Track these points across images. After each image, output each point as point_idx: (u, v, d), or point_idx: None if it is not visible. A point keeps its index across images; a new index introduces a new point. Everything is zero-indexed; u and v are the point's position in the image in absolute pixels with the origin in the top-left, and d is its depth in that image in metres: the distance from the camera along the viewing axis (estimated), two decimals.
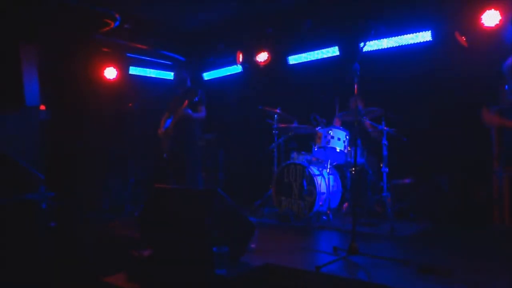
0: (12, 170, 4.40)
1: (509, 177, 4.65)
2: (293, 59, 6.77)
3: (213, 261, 2.87)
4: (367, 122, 5.51)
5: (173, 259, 3.15)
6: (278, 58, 6.83)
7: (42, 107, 5.90)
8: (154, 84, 7.52)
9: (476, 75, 5.03)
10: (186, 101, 5.09)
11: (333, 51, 6.35)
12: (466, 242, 4.22)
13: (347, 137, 5.30)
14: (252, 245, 3.60)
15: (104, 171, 6.79)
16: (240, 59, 7.06)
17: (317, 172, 5.26)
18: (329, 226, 4.92)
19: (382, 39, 5.82)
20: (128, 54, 7.18)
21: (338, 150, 5.21)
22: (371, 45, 5.87)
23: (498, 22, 4.86)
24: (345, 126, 5.42)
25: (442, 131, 5.53)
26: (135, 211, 5.99)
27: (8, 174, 4.38)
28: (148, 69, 7.51)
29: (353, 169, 5.31)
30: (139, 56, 7.37)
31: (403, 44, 5.71)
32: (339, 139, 5.23)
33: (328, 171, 5.30)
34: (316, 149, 5.36)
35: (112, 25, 6.30)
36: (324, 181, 5.21)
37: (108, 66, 6.87)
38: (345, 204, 5.55)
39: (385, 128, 5.14)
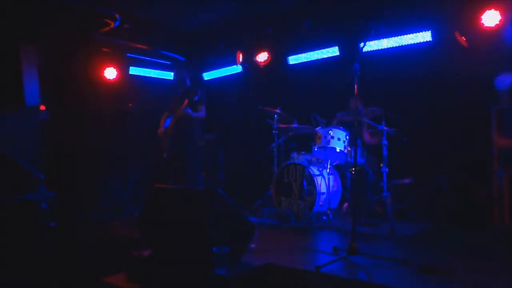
0: (12, 170, 4.40)
1: (509, 177, 4.66)
2: (293, 59, 6.76)
3: (213, 261, 2.87)
4: (367, 134, 5.57)
5: (173, 259, 3.15)
6: (278, 58, 6.83)
7: (42, 107, 5.90)
8: (154, 84, 7.52)
9: (476, 75, 5.03)
10: (186, 101, 5.09)
11: (333, 51, 6.35)
12: (466, 242, 4.22)
13: (347, 137, 5.30)
14: (252, 245, 3.60)
15: (104, 171, 6.79)
16: (240, 59, 7.06)
17: (317, 172, 5.26)
18: (329, 226, 4.92)
19: (382, 39, 5.82)
20: (128, 54, 7.18)
21: (338, 150, 5.21)
22: (371, 45, 5.87)
23: (498, 22, 4.86)
24: (345, 126, 5.42)
25: (442, 131, 5.53)
26: (135, 211, 6.00)
27: (8, 174, 4.38)
28: (148, 69, 7.51)
29: (353, 169, 5.31)
30: (139, 56, 7.36)
31: (403, 44, 5.71)
32: (339, 139, 5.23)
33: (328, 171, 5.30)
34: (316, 149, 5.36)
35: (112, 25, 6.30)
36: (324, 181, 5.21)
37: (108, 66, 6.87)
38: (345, 204, 5.56)
39: (385, 128, 5.14)
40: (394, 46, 5.77)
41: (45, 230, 4.54)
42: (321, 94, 6.34)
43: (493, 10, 4.88)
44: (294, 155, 5.70)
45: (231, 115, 7.58)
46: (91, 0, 5.75)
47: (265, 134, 6.16)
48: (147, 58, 7.47)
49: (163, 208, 3.47)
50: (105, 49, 6.86)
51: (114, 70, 6.91)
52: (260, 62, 6.87)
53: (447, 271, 3.00)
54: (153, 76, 7.57)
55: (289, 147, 6.05)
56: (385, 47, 5.84)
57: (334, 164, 5.50)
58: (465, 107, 5.28)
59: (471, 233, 4.54)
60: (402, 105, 5.55)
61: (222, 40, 7.36)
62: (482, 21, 4.94)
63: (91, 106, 6.58)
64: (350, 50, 6.06)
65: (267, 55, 6.83)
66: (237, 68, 7.39)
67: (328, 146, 5.20)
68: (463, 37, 5.15)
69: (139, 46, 7.17)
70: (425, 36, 5.55)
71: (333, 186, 5.35)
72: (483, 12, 4.92)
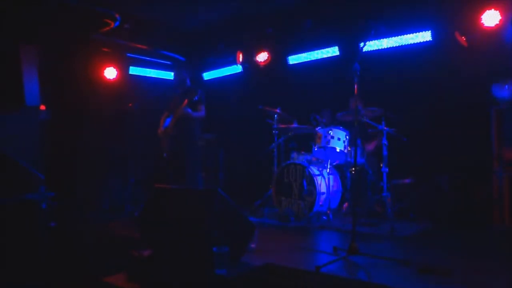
0: (12, 170, 4.40)
1: (509, 177, 4.65)
2: (293, 59, 6.76)
3: (213, 261, 2.87)
4: (370, 144, 5.58)
5: (173, 259, 3.15)
6: (278, 58, 6.83)
7: (42, 107, 5.90)
8: (154, 84, 7.51)
9: (476, 75, 5.03)
10: (186, 101, 5.09)
11: (333, 51, 6.35)
12: (466, 242, 4.22)
13: (347, 137, 5.30)
14: (252, 245, 3.60)
15: (104, 171, 6.79)
16: (240, 59, 7.05)
17: (317, 172, 5.26)
18: (329, 226, 4.92)
19: (382, 39, 5.82)
20: (128, 54, 7.17)
21: (338, 150, 5.21)
22: (371, 45, 5.87)
23: (498, 22, 4.86)
24: (345, 126, 5.42)
25: (442, 131, 5.53)
26: (135, 211, 5.99)
27: (8, 174, 4.38)
28: (148, 69, 7.51)
29: (353, 169, 5.31)
30: (139, 56, 7.36)
31: (403, 44, 5.70)
32: (339, 139, 5.23)
33: (328, 171, 5.30)
34: (316, 149, 5.36)
35: (112, 25, 6.30)
36: (324, 181, 5.21)
37: (108, 66, 6.87)
38: (345, 204, 5.56)
39: (385, 128, 5.14)
40: (394, 46, 5.77)
41: (45, 230, 4.54)
42: (321, 94, 6.34)
43: (493, 10, 4.87)
44: (294, 155, 5.70)
45: (231, 115, 7.58)
46: (91, 0, 5.74)
47: (265, 134, 6.16)
48: (147, 58, 7.46)
49: (163, 208, 3.47)
50: (105, 49, 6.86)
51: (114, 70, 6.91)
52: (260, 62, 6.87)
53: (447, 271, 3.00)
54: (153, 76, 7.57)
55: (289, 147, 6.05)
56: (385, 47, 5.84)
57: (334, 164, 5.50)
58: (465, 107, 5.28)
59: (471, 233, 4.54)
60: (402, 105, 5.55)
61: (222, 40, 7.36)
62: (482, 21, 4.94)
63: (91, 106, 6.58)
64: (350, 50, 6.06)
65: (267, 55, 6.82)
66: (237, 68, 7.38)
67: (328, 146, 5.20)
68: (463, 37, 5.15)
69: (139, 46, 7.17)
70: (425, 36, 5.55)
71: (333, 186, 5.35)
72: (483, 12, 4.92)
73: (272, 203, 5.58)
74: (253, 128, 6.98)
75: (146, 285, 3.09)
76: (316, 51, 6.52)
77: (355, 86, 3.62)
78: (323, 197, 5.18)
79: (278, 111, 5.77)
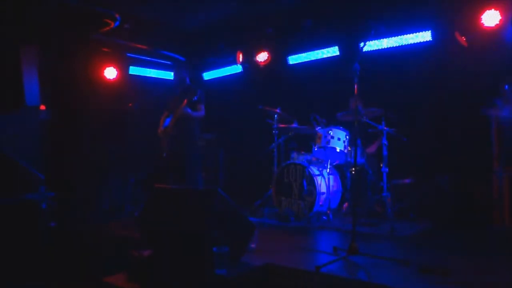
0: (12, 170, 4.40)
1: (509, 177, 4.65)
2: (293, 59, 6.76)
3: (213, 261, 2.87)
4: (372, 146, 5.57)
5: (173, 259, 3.15)
6: (278, 58, 6.83)
7: (42, 107, 5.90)
8: (154, 84, 7.51)
9: (476, 75, 5.03)
10: (185, 100, 5.09)
11: (333, 51, 6.35)
12: (466, 242, 4.22)
13: (347, 137, 5.30)
14: (252, 245, 3.60)
15: (104, 171, 6.79)
16: (240, 59, 7.05)
17: (317, 172, 5.26)
18: (329, 226, 4.92)
19: (382, 39, 5.82)
20: (128, 54, 7.17)
21: (338, 150, 5.21)
22: (371, 45, 5.87)
23: (498, 22, 4.86)
24: (345, 126, 5.42)
25: (442, 131, 5.53)
26: (135, 211, 5.99)
27: (8, 174, 4.38)
28: (148, 69, 7.50)
29: (353, 169, 5.31)
30: (139, 56, 7.36)
31: (403, 44, 5.70)
32: (339, 139, 5.23)
33: (328, 171, 5.30)
34: (316, 149, 5.36)
35: (112, 25, 6.30)
36: (324, 181, 5.21)
37: (108, 66, 6.86)
38: (345, 204, 5.55)
39: (385, 128, 5.14)
40: (394, 46, 5.77)
41: (45, 230, 4.54)
42: (321, 94, 6.34)
43: (493, 10, 4.87)
44: (294, 155, 5.70)
45: (231, 115, 7.58)
46: (91, 0, 5.74)
47: (265, 134, 6.16)
48: (147, 58, 7.46)
49: (163, 208, 3.47)
50: (105, 49, 6.86)
51: (114, 70, 6.90)
52: (260, 62, 6.87)
53: (447, 271, 3.00)
54: (153, 76, 7.57)
55: (289, 147, 6.05)
56: (385, 47, 5.84)
57: (334, 164, 5.50)
58: (465, 106, 5.28)
59: (471, 233, 4.54)
60: (402, 105, 5.55)
61: (222, 40, 7.36)
62: (482, 21, 4.93)
63: (91, 106, 6.57)
64: (350, 50, 6.06)
65: (267, 55, 6.82)
66: (237, 68, 7.38)
67: (328, 146, 5.20)
68: (463, 37, 5.14)
69: (139, 46, 7.17)
70: (425, 36, 5.54)
71: (333, 186, 5.35)
72: (483, 12, 4.92)
73: (272, 203, 5.58)
74: (253, 128, 6.98)
75: (146, 285, 3.09)
76: (316, 51, 6.52)
77: (355, 86, 3.62)
78: (323, 197, 5.18)
79: (278, 111, 5.77)
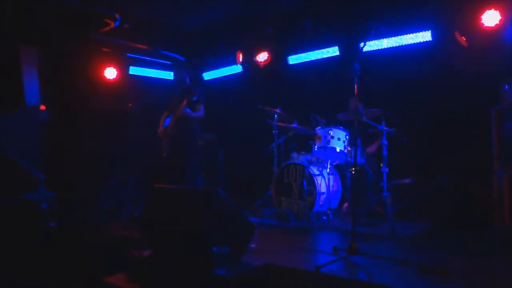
0: (12, 170, 4.40)
1: (509, 177, 4.65)
2: (293, 59, 6.77)
3: (213, 261, 2.87)
4: (373, 145, 5.57)
5: (173, 259, 3.15)
6: (278, 58, 6.83)
7: (42, 107, 5.90)
8: (154, 84, 7.51)
9: (476, 75, 5.03)
10: (185, 101, 5.09)
11: (333, 51, 6.35)
12: (466, 242, 4.22)
13: (347, 137, 5.30)
14: (252, 245, 3.60)
15: (104, 171, 6.79)
16: (240, 59, 7.05)
17: (317, 172, 5.26)
18: (329, 226, 4.91)
19: (382, 39, 5.82)
20: (128, 54, 7.17)
21: (338, 150, 5.21)
22: (371, 45, 5.87)
23: (498, 22, 4.86)
24: (345, 126, 5.42)
25: (442, 131, 5.53)
26: (135, 211, 5.99)
27: (8, 174, 4.38)
28: (148, 69, 7.51)
29: (353, 169, 5.31)
30: (139, 56, 7.36)
31: (403, 44, 5.70)
32: (339, 139, 5.23)
33: (328, 171, 5.30)
34: (316, 149, 5.36)
35: (112, 25, 6.30)
36: (324, 181, 5.21)
37: (108, 66, 6.87)
38: (345, 204, 5.55)
39: (385, 128, 5.13)
40: (394, 46, 5.77)
41: (45, 230, 4.54)
42: (321, 94, 6.34)
43: (493, 10, 4.87)
44: (294, 155, 5.70)
45: (231, 115, 7.58)
46: (91, 0, 5.74)
47: (265, 134, 6.16)
48: (147, 58, 7.46)
49: (163, 208, 3.47)
50: (105, 49, 6.86)
51: (114, 70, 6.91)
52: (260, 62, 6.87)
53: (447, 271, 3.00)
54: (153, 76, 7.57)
55: (289, 147, 6.05)
56: (385, 47, 5.84)
57: (334, 164, 5.50)
58: (465, 107, 5.28)
59: (471, 233, 4.54)
60: (402, 105, 5.55)
61: (222, 40, 7.36)
62: (482, 21, 4.93)
63: (91, 106, 6.58)
64: (350, 50, 6.06)
65: (267, 55, 6.82)
66: (237, 68, 7.38)
67: (328, 146, 5.20)
68: (463, 37, 5.14)
69: (139, 46, 7.17)
70: (425, 36, 5.54)
71: (333, 186, 5.35)
72: (483, 12, 4.92)
73: (272, 203, 5.58)
74: (253, 128, 6.97)
75: (146, 285, 3.09)
76: (316, 51, 6.52)
77: (355, 86, 3.62)
78: (323, 197, 5.18)
79: (278, 111, 5.77)
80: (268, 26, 6.70)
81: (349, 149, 5.30)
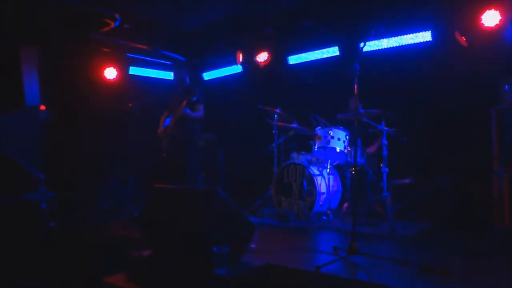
0: (12, 170, 4.40)
1: (509, 177, 4.65)
2: (293, 59, 6.77)
3: (213, 261, 2.87)
4: (373, 145, 5.56)
5: (173, 259, 3.15)
6: (278, 58, 6.83)
7: (42, 107, 5.90)
8: (154, 84, 7.51)
9: (476, 75, 5.03)
10: (185, 101, 5.10)
11: (333, 51, 6.35)
12: (466, 242, 4.22)
13: (347, 137, 5.30)
14: (252, 245, 3.60)
15: (104, 171, 6.79)
16: (240, 59, 7.05)
17: (317, 172, 5.26)
18: (329, 226, 4.91)
19: (382, 39, 5.82)
20: (128, 54, 7.18)
21: (338, 150, 5.21)
22: (371, 45, 5.87)
23: (498, 22, 4.86)
24: (345, 126, 5.42)
25: (442, 131, 5.53)
26: (135, 211, 5.99)
27: (8, 174, 4.38)
28: (148, 69, 7.51)
29: (353, 169, 5.31)
30: (139, 56, 7.36)
31: (403, 44, 5.70)
32: (339, 139, 5.23)
33: (328, 171, 5.30)
34: (316, 149, 5.36)
35: (112, 25, 6.30)
36: (324, 181, 5.21)
37: (108, 66, 6.87)
38: (345, 204, 5.56)
39: (385, 128, 5.13)
40: (394, 46, 5.77)
41: (45, 230, 4.54)
42: (321, 94, 6.34)
43: (493, 10, 4.87)
44: (294, 155, 5.70)
45: (231, 115, 7.58)
46: (91, 0, 5.74)
47: (265, 134, 6.16)
48: (147, 58, 7.47)
49: (163, 208, 3.47)
50: (105, 49, 6.86)
51: (114, 70, 6.91)
52: (260, 62, 6.87)
53: (447, 271, 3.00)
54: (153, 76, 7.57)
55: (289, 147, 6.05)
56: (385, 47, 5.84)
57: (334, 164, 5.50)
58: (465, 107, 5.28)
59: (471, 233, 4.54)
60: (402, 105, 5.55)
61: (222, 40, 7.36)
62: (482, 21, 4.94)
63: (91, 106, 6.58)
64: (350, 50, 6.06)
65: (267, 55, 6.83)
66: (237, 68, 7.38)
67: (328, 146, 5.20)
68: (463, 37, 5.14)
69: (139, 46, 7.17)
70: (425, 36, 5.54)
71: (333, 186, 5.35)
72: (483, 12, 4.92)
73: (272, 203, 5.58)
74: (253, 128, 6.98)
75: (146, 285, 3.09)
76: (316, 51, 6.52)
77: (355, 86, 3.62)
78: (323, 197, 5.17)
79: (278, 111, 5.77)
80: (268, 26, 6.70)
81: (349, 149, 5.30)
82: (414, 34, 5.61)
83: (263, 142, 6.24)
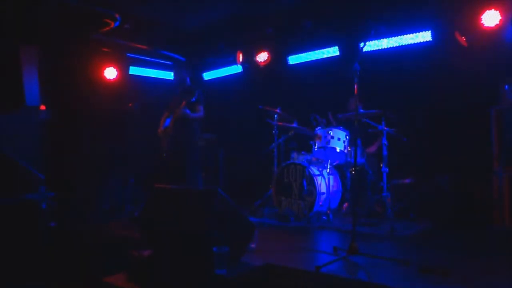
0: (12, 170, 4.40)
1: (509, 177, 4.65)
2: (293, 59, 6.77)
3: (213, 261, 2.87)
4: (373, 145, 5.56)
5: (173, 259, 3.15)
6: (278, 58, 6.83)
7: (42, 107, 5.90)
8: (154, 84, 7.51)
9: (476, 75, 5.03)
10: (184, 101, 5.09)
11: (333, 51, 6.35)
12: (466, 242, 4.22)
13: (347, 137, 5.30)
14: (252, 245, 3.60)
15: (104, 171, 6.79)
16: (240, 59, 7.05)
17: (317, 172, 5.26)
18: (329, 226, 4.91)
19: (382, 39, 5.82)
20: (128, 54, 7.18)
21: (338, 150, 5.21)
22: (371, 45, 5.87)
23: (498, 22, 4.86)
24: (345, 126, 5.42)
25: (442, 131, 5.53)
26: (135, 211, 5.99)
27: (8, 174, 4.38)
28: (148, 69, 7.51)
29: (353, 169, 5.31)
30: (139, 56, 7.36)
31: (403, 44, 5.70)
32: (339, 139, 5.23)
33: (328, 171, 5.30)
34: (316, 149, 5.36)
35: (112, 25, 6.30)
36: (324, 181, 5.21)
37: (108, 66, 6.87)
38: (345, 204, 5.56)
39: (385, 128, 5.14)
40: (394, 46, 5.77)
41: (45, 230, 4.54)
42: (321, 94, 6.34)
43: (493, 10, 4.87)
44: (294, 155, 5.70)
45: (231, 115, 7.58)
46: (91, 0, 5.74)
47: (265, 134, 6.16)
48: (147, 58, 7.47)
49: (163, 208, 3.47)
50: (105, 49, 6.86)
51: (114, 70, 6.91)
52: (260, 62, 6.87)
53: (447, 271, 3.00)
54: (153, 76, 7.57)
55: (289, 147, 6.05)
56: (385, 47, 5.84)
57: (334, 164, 5.50)
58: (465, 107, 5.28)
59: (471, 233, 4.54)
60: (402, 105, 5.55)
61: (222, 40, 7.36)
62: (482, 21, 4.94)
63: (91, 106, 6.58)
64: (350, 50, 6.06)
65: (267, 55, 6.82)
66: (237, 68, 7.38)
67: (328, 146, 5.20)
68: (463, 37, 5.15)
69: (139, 46, 7.17)
70: (425, 36, 5.54)
71: (333, 186, 5.35)
72: (483, 12, 4.92)
73: (272, 203, 5.58)
74: (253, 128, 6.98)
75: (146, 285, 3.09)
76: (316, 51, 6.52)
77: (355, 86, 3.62)
78: (323, 197, 5.17)
79: (278, 111, 5.77)
80: (268, 26, 6.70)
81: (349, 149, 5.30)
82: (414, 34, 5.61)
83: (263, 142, 6.25)
